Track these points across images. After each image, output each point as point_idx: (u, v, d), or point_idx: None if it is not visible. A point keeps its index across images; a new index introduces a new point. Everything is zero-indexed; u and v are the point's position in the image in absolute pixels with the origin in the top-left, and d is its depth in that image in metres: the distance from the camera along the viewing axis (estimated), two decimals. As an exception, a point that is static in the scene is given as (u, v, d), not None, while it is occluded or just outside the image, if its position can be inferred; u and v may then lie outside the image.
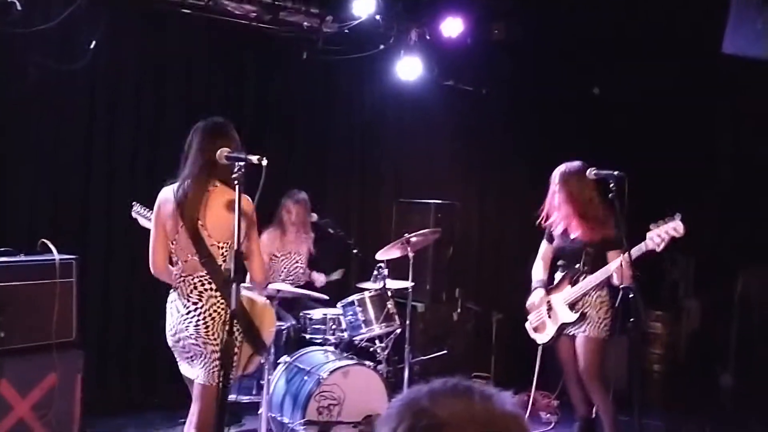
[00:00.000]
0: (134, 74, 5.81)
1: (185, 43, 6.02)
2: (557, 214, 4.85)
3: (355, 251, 6.10)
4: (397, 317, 5.28)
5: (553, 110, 7.61)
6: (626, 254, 4.19)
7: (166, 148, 5.40)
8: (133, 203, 4.15)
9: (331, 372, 4.71)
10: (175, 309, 3.58)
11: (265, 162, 3.22)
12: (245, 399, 5.04)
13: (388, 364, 5.32)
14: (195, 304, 3.50)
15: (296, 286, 5.63)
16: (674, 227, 4.20)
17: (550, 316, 4.90)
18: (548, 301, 4.90)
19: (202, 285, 3.51)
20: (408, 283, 5.47)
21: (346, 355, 5.13)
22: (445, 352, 6.31)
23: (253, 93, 6.43)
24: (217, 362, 3.34)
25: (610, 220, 4.47)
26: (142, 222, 4.00)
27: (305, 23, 6.16)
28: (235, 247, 3.18)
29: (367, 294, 5.25)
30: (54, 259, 4.35)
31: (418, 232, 5.52)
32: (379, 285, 5.33)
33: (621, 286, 4.33)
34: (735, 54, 5.32)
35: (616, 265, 4.47)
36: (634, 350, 4.82)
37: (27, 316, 4.23)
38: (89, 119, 5.63)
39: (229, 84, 6.32)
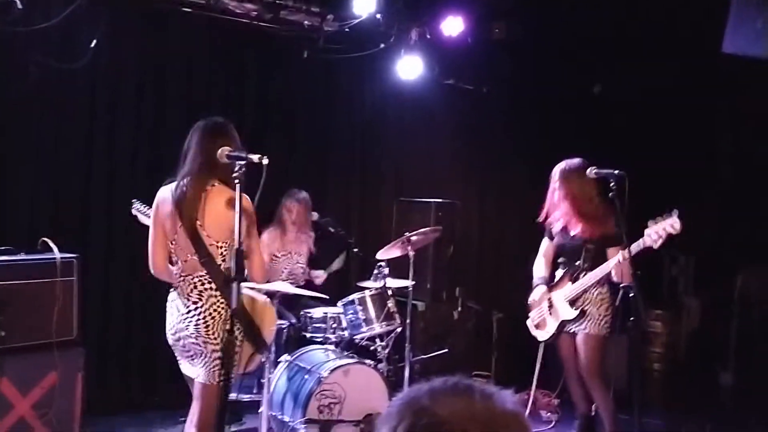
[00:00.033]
0: (135, 73, 5.81)
1: (186, 41, 6.02)
2: (557, 211, 4.86)
3: (355, 250, 6.11)
4: (397, 316, 5.28)
5: (554, 109, 7.61)
6: (625, 251, 4.20)
7: (167, 146, 5.39)
8: (133, 201, 4.16)
9: (332, 371, 4.71)
10: (175, 308, 3.58)
11: (266, 161, 3.22)
12: (246, 397, 5.04)
13: (389, 362, 5.32)
14: (195, 303, 3.51)
15: (297, 286, 5.63)
16: (671, 224, 4.22)
17: (551, 314, 4.91)
18: (549, 299, 4.91)
19: (202, 284, 3.51)
20: (408, 282, 5.47)
21: (346, 353, 5.13)
22: (445, 351, 6.31)
23: (253, 92, 6.43)
24: (218, 361, 3.35)
25: (610, 217, 4.48)
26: (142, 219, 4.01)
27: (306, 22, 6.16)
28: (236, 245, 3.18)
29: (367, 293, 5.26)
30: (55, 258, 4.35)
31: (419, 231, 5.52)
32: (379, 284, 5.33)
33: (621, 285, 4.34)
34: (735, 53, 5.32)
35: (615, 262, 4.48)
36: (634, 349, 4.83)
37: (28, 315, 4.23)
38: (90, 118, 5.63)
39: (229, 83, 6.32)
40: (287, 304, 5.56)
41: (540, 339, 5.01)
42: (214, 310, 3.49)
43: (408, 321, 5.40)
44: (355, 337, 5.24)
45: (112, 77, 5.69)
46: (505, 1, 6.89)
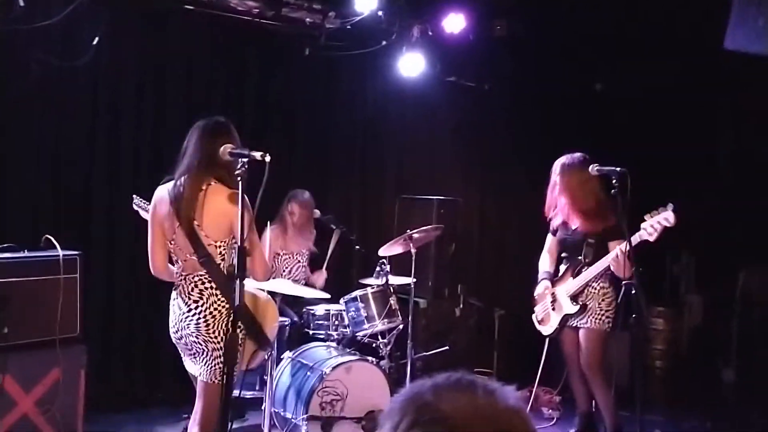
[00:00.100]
0: (136, 70, 5.81)
1: (187, 39, 6.01)
2: (557, 205, 4.88)
3: (357, 247, 6.11)
4: (399, 313, 5.29)
5: (555, 106, 7.61)
6: (624, 244, 4.21)
7: (169, 143, 5.38)
8: (134, 196, 4.16)
9: (334, 368, 4.72)
10: (176, 307, 3.59)
11: (268, 158, 3.20)
12: (248, 394, 5.05)
13: (391, 359, 5.33)
14: (196, 302, 3.51)
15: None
16: (666, 217, 4.25)
17: (554, 308, 4.92)
18: (553, 293, 4.93)
19: (203, 283, 3.51)
20: (410, 279, 5.48)
21: (348, 350, 5.14)
22: (447, 348, 6.32)
23: (254, 89, 6.43)
24: (219, 360, 3.36)
25: (611, 212, 4.49)
26: (144, 214, 4.01)
27: (308, 19, 6.15)
28: (239, 243, 3.18)
29: (369, 290, 5.27)
30: (58, 255, 4.35)
31: (421, 229, 5.53)
32: (381, 281, 5.34)
33: (623, 282, 4.35)
34: (737, 50, 5.31)
35: (613, 255, 4.49)
36: (636, 346, 4.83)
37: (31, 312, 4.23)
38: (92, 115, 5.63)
39: (230, 80, 6.32)
40: (289, 300, 5.57)
41: (544, 334, 5.03)
42: (215, 309, 3.49)
43: (410, 318, 5.41)
44: (357, 334, 5.24)
45: (113, 74, 5.69)
46: (507, -2, 6.89)
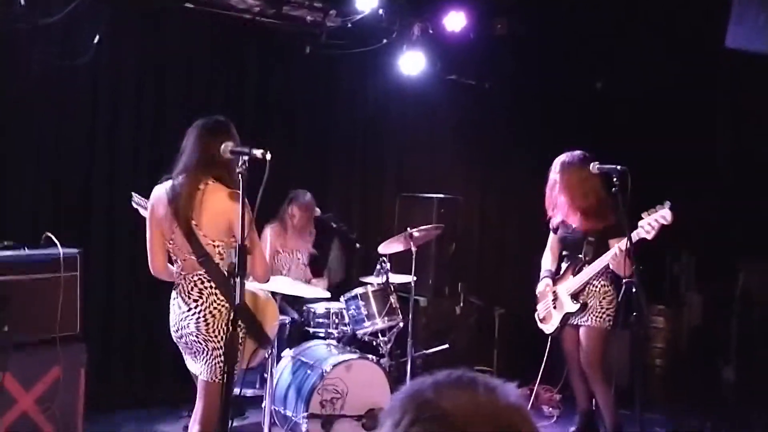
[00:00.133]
0: (136, 68, 5.81)
1: (188, 37, 6.01)
2: (556, 203, 4.88)
3: (357, 245, 6.11)
4: (399, 311, 5.29)
5: (556, 105, 7.60)
6: (622, 241, 4.22)
7: (169, 141, 5.36)
8: (132, 193, 4.16)
9: (335, 366, 4.72)
10: (177, 306, 3.59)
11: (269, 156, 3.19)
12: (249, 392, 5.04)
13: (391, 358, 5.32)
14: (195, 301, 3.50)
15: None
16: (662, 215, 4.26)
17: (555, 307, 4.93)
18: (554, 291, 4.93)
19: (202, 283, 3.51)
20: (411, 278, 5.48)
21: (349, 348, 5.14)
22: (447, 346, 6.31)
23: (255, 87, 6.42)
24: (219, 359, 3.36)
25: (611, 210, 4.49)
26: (143, 212, 4.00)
27: (308, 17, 6.16)
28: (239, 241, 3.17)
29: (370, 288, 5.27)
30: (58, 253, 4.34)
31: (421, 227, 5.53)
32: (381, 279, 5.34)
33: (624, 280, 4.35)
34: (738, 48, 5.31)
35: (612, 253, 4.50)
36: (637, 344, 4.83)
37: (31, 310, 4.22)
38: (92, 114, 5.63)
39: (231, 78, 6.31)
40: (290, 299, 5.56)
41: (546, 332, 5.03)
42: (215, 308, 3.49)
43: (410, 316, 5.42)
44: (357, 333, 5.24)
45: (113, 73, 5.68)
46: (508, -4, 6.89)
